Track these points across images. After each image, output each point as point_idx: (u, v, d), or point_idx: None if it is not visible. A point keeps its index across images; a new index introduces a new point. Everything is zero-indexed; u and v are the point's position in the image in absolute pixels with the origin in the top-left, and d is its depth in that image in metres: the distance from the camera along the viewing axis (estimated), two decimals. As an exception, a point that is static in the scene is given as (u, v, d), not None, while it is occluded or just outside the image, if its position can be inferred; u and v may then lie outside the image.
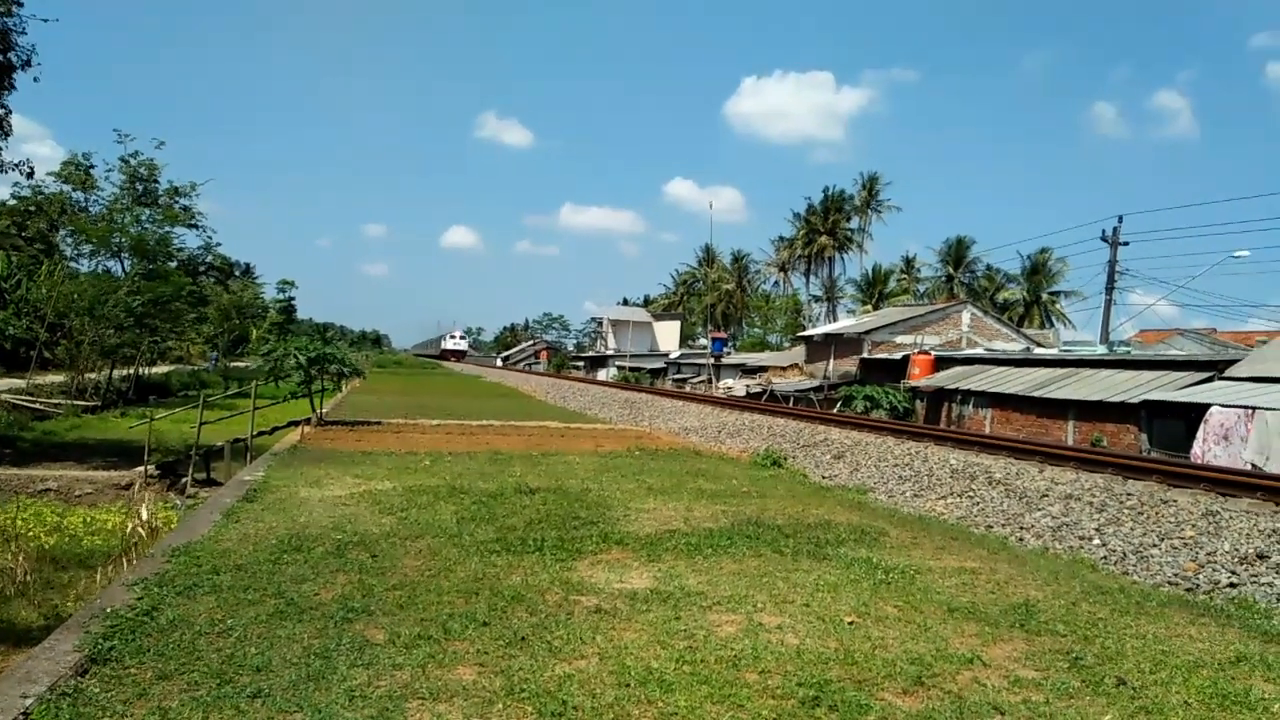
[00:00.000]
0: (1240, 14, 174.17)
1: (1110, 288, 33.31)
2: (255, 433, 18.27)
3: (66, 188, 35.08)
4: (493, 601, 5.57)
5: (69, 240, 33.24)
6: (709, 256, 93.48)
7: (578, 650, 4.73)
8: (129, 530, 11.05)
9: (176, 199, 34.34)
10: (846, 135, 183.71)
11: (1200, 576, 8.02)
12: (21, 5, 18.88)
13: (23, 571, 9.51)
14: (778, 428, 20.18)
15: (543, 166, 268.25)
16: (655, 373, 60.44)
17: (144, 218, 31.24)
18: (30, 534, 11.69)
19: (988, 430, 24.40)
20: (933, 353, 31.94)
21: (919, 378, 30.05)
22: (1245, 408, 16.44)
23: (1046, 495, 11.21)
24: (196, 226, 35.16)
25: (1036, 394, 23.17)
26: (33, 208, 33.46)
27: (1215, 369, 20.11)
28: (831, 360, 39.68)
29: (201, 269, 39.27)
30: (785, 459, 16.01)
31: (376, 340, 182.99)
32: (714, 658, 4.67)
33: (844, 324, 48.99)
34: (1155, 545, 8.94)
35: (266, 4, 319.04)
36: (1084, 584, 6.89)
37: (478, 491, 9.99)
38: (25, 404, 23.82)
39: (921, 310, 41.60)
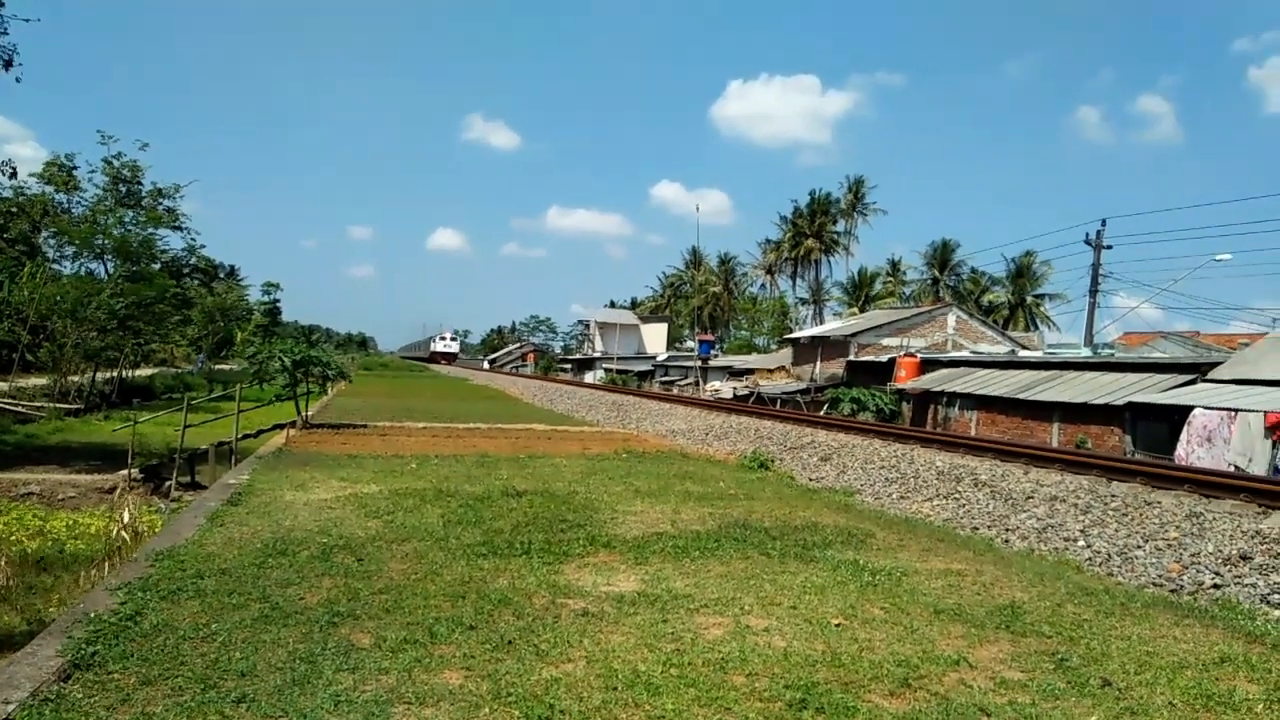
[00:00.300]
0: (1223, 19, 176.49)
1: (1094, 291, 33.55)
2: (240, 436, 18.18)
3: (49, 189, 34.76)
4: (479, 605, 5.55)
5: (51, 242, 32.96)
6: (696, 259, 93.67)
7: (565, 653, 4.72)
8: (112, 534, 10.95)
9: (160, 200, 34.15)
10: (833, 138, 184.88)
11: (1184, 578, 8.07)
12: (3, 5, 18.75)
13: (5, 576, 9.43)
14: (765, 430, 20.21)
15: (530, 169, 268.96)
16: (642, 375, 60.48)
17: (127, 219, 31.06)
18: (13, 538, 11.60)
19: (973, 432, 24.53)
20: (919, 355, 32.11)
21: (905, 380, 30.19)
22: (1228, 410, 16.59)
23: (1032, 497, 11.27)
24: (180, 228, 35.05)
25: (1022, 396, 23.31)
26: (15, 209, 33.15)
27: (1198, 371, 20.27)
28: (818, 363, 39.78)
29: (185, 271, 38.97)
30: (772, 461, 16.04)
31: (363, 342, 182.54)
32: (701, 660, 4.67)
33: (830, 327, 49.11)
34: (1139, 547, 9.00)
35: (251, 6, 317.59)
36: (1069, 585, 6.92)
37: (464, 494, 9.95)
38: (7, 407, 23.58)
39: (907, 313, 41.75)
